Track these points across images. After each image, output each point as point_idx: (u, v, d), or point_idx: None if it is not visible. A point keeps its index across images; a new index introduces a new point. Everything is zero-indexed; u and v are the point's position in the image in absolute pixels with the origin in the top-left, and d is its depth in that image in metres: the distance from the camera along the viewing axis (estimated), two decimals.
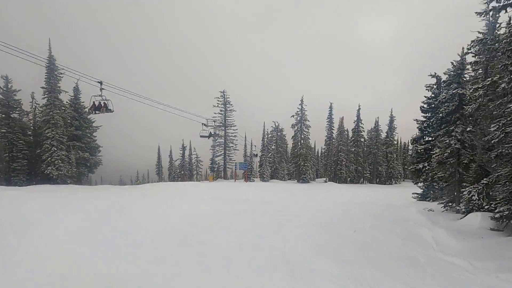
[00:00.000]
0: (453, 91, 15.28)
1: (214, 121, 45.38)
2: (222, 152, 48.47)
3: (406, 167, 62.20)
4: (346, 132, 51.94)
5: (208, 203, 14.77)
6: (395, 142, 57.51)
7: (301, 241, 8.90)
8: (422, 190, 23.46)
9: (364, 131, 52.86)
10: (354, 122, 52.87)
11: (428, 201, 22.33)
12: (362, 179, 53.79)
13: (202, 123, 31.96)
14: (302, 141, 47.62)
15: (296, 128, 47.73)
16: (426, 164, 22.54)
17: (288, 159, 55.63)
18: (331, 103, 53.04)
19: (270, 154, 51.39)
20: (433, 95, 23.47)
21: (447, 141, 14.78)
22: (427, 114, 23.79)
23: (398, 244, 9.22)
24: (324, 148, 55.51)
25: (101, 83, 15.65)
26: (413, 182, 27.26)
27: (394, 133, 56.25)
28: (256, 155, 52.12)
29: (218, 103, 46.37)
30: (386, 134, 55.72)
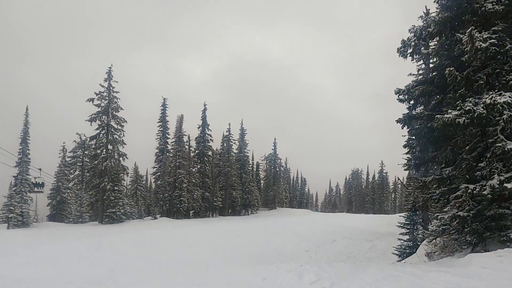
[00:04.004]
0: None
1: None
2: None
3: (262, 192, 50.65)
4: (188, 140, 34.86)
5: None
6: (250, 160, 44.97)
7: None
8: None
9: (212, 140, 37.50)
10: (198, 129, 36.89)
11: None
12: (211, 211, 36.90)
13: None
14: (112, 145, 26.57)
15: (100, 121, 26.38)
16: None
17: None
18: (164, 98, 35.52)
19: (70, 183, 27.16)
20: None
21: None
22: None
23: None
24: (155, 168, 35.92)
25: None
26: None
27: (246, 150, 43.88)
28: (41, 184, 25.52)
29: None
30: (239, 149, 42.57)
